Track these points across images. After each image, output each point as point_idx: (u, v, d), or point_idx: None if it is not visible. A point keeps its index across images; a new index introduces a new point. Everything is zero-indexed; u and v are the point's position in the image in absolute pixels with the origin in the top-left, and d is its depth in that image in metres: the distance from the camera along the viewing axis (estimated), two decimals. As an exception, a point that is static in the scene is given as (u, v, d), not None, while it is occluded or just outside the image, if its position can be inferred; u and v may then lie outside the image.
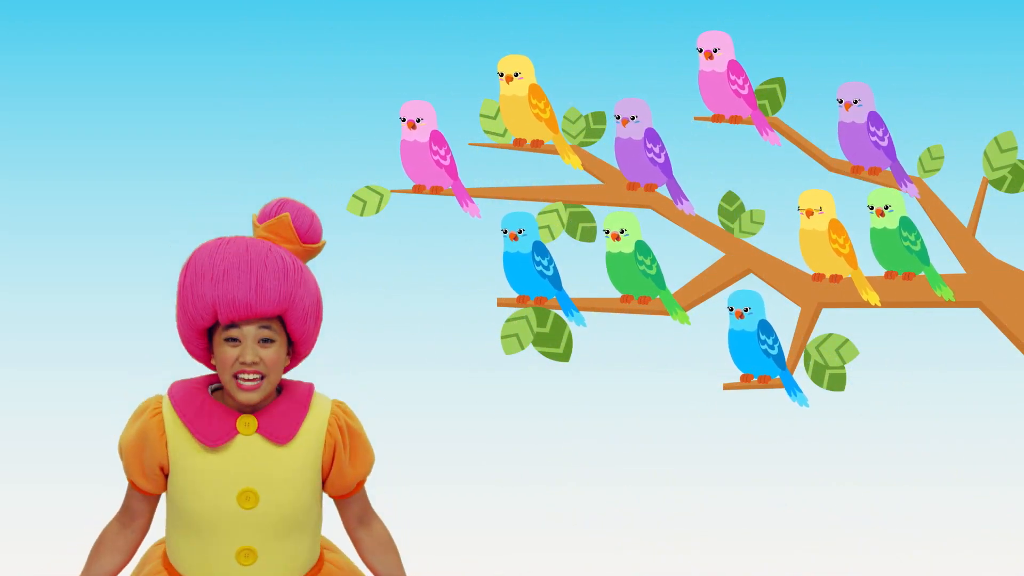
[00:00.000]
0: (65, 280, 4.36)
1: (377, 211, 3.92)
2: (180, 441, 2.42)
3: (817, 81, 4.02)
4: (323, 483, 2.50)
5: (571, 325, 3.81)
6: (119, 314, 4.24)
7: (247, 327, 2.37)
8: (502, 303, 3.85)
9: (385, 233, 3.99)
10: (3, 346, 4.27)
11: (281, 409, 2.44)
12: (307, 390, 2.48)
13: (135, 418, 2.46)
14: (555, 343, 3.81)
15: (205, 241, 2.43)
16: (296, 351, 2.47)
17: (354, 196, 3.91)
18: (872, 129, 3.91)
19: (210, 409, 2.42)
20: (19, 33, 4.59)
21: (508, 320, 3.82)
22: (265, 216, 2.48)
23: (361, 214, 3.91)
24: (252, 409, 2.43)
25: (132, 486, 2.48)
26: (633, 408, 4.08)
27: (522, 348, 3.81)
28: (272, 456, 2.42)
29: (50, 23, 4.61)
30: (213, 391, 2.47)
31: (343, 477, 2.49)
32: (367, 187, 3.92)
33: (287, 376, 2.50)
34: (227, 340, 2.38)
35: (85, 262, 4.36)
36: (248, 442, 2.41)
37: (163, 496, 2.51)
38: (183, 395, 2.44)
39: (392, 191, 3.93)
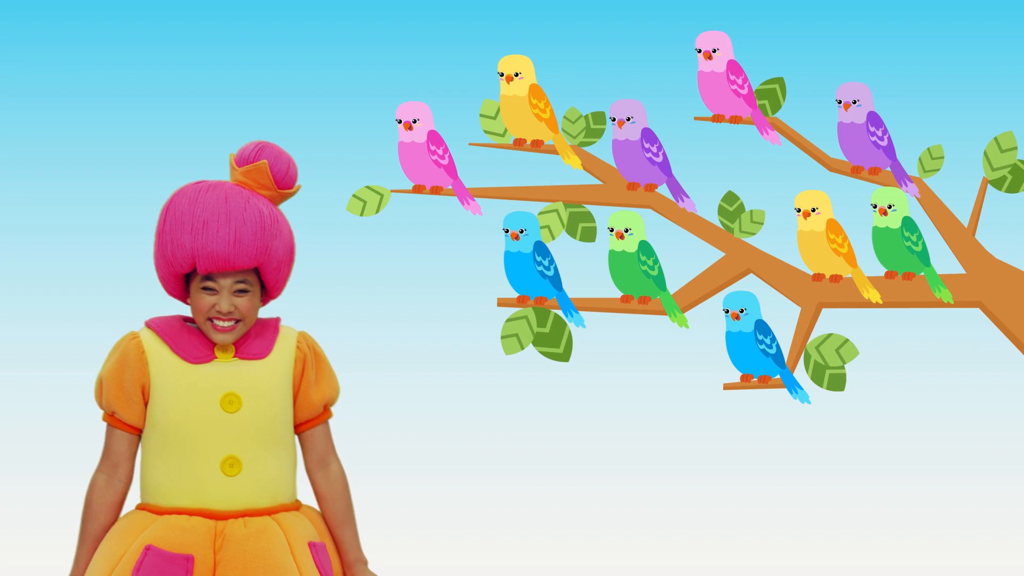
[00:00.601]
0: (64, 280, 4.36)
1: (377, 211, 3.92)
2: (161, 358, 2.47)
3: (817, 81, 4.02)
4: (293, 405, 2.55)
5: (571, 325, 3.81)
6: (118, 313, 4.22)
7: (224, 279, 2.44)
8: (502, 303, 3.85)
9: (385, 233, 3.99)
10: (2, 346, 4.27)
11: (254, 335, 2.51)
12: (275, 320, 2.56)
13: (113, 351, 2.51)
14: (555, 343, 3.81)
15: (184, 185, 2.48)
16: (268, 295, 2.54)
17: (354, 196, 3.91)
18: (871, 129, 3.91)
19: (188, 333, 2.49)
20: (19, 33, 4.58)
21: (508, 320, 3.82)
22: (244, 160, 2.51)
23: (361, 214, 3.91)
24: None
25: (112, 423, 2.49)
26: (633, 408, 4.08)
27: (522, 348, 3.81)
28: (251, 367, 2.48)
29: (50, 23, 4.61)
30: (187, 322, 2.54)
31: (309, 396, 2.53)
32: (367, 187, 3.92)
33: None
34: (204, 288, 2.45)
35: (83, 262, 4.36)
36: (227, 360, 2.48)
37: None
38: (162, 321, 2.51)
39: (392, 191, 3.93)
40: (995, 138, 3.90)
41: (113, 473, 2.51)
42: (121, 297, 4.05)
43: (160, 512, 2.46)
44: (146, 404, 2.48)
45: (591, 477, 4.09)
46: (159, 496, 2.48)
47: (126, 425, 2.49)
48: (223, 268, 2.42)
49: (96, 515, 2.51)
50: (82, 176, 4.44)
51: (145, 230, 2.53)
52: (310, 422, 2.56)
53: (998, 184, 3.91)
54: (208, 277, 2.44)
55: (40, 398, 4.21)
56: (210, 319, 2.45)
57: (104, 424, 2.52)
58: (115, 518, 2.51)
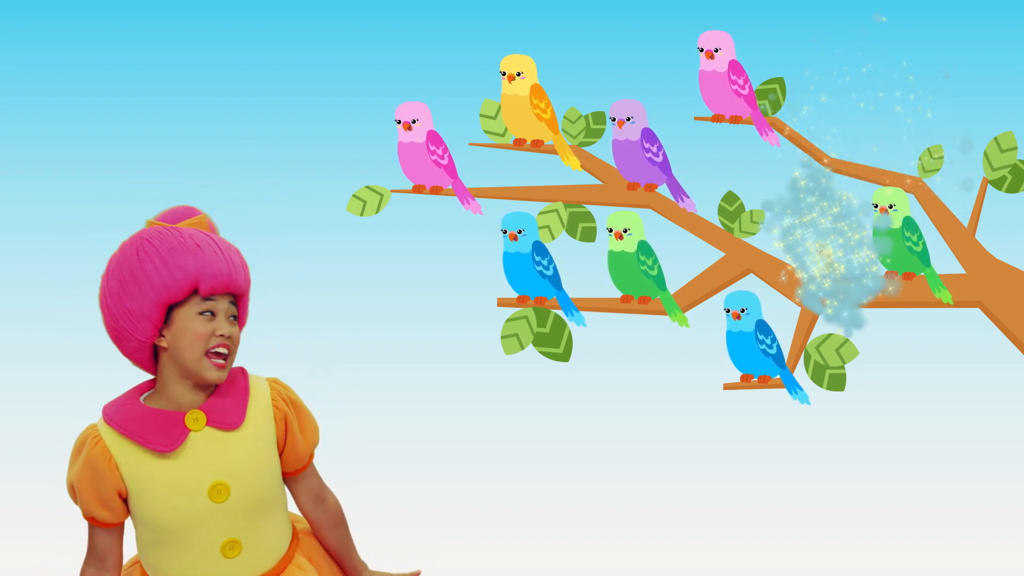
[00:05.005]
0: (64, 280, 4.36)
1: (377, 211, 3.92)
2: (132, 459, 2.39)
3: (817, 81, 4.01)
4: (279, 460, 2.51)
5: (571, 325, 3.82)
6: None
7: (222, 301, 2.40)
8: (502, 303, 3.85)
9: (385, 233, 4.00)
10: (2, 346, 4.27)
11: (223, 398, 2.43)
12: (242, 374, 2.49)
13: (76, 453, 2.42)
14: (555, 343, 3.81)
15: (126, 238, 2.41)
16: None
17: (354, 196, 3.91)
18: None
19: (152, 417, 2.40)
20: (19, 33, 4.59)
21: (508, 320, 3.82)
22: (179, 217, 2.46)
23: (361, 214, 3.91)
24: (196, 403, 2.42)
25: (93, 523, 2.45)
26: (633, 408, 4.08)
27: (522, 348, 3.82)
28: (230, 444, 2.41)
29: (50, 23, 4.62)
30: (145, 399, 2.45)
31: (297, 448, 2.50)
32: (367, 187, 3.92)
33: None
34: (201, 314, 2.38)
35: (83, 262, 4.35)
36: (202, 437, 2.40)
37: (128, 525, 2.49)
38: (119, 413, 2.41)
39: (392, 191, 3.94)
40: (995, 138, 3.91)
41: (102, 566, 2.47)
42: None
43: None
44: (125, 499, 2.42)
45: (591, 477, 4.09)
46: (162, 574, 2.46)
47: (109, 524, 2.44)
48: (225, 287, 2.38)
49: None
50: (82, 176, 4.45)
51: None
52: (298, 470, 2.54)
53: (998, 184, 3.91)
54: (208, 300, 2.37)
55: (40, 398, 4.21)
56: (208, 352, 2.38)
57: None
58: None
